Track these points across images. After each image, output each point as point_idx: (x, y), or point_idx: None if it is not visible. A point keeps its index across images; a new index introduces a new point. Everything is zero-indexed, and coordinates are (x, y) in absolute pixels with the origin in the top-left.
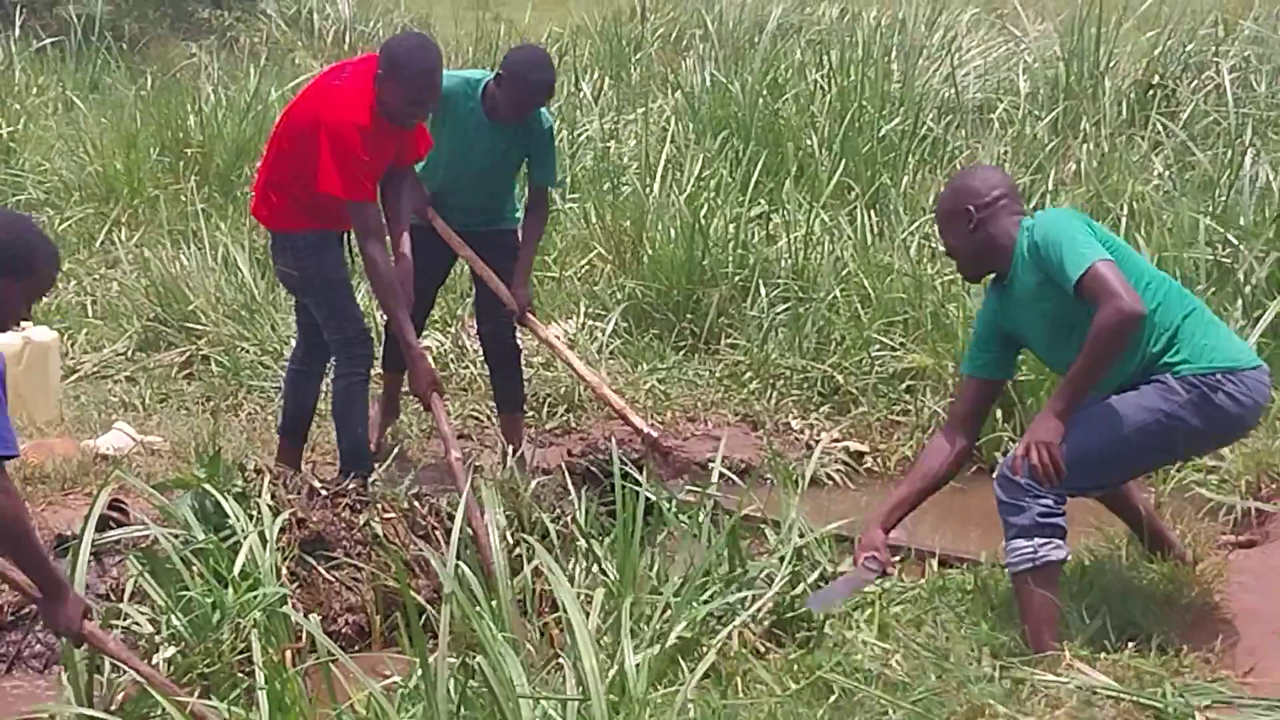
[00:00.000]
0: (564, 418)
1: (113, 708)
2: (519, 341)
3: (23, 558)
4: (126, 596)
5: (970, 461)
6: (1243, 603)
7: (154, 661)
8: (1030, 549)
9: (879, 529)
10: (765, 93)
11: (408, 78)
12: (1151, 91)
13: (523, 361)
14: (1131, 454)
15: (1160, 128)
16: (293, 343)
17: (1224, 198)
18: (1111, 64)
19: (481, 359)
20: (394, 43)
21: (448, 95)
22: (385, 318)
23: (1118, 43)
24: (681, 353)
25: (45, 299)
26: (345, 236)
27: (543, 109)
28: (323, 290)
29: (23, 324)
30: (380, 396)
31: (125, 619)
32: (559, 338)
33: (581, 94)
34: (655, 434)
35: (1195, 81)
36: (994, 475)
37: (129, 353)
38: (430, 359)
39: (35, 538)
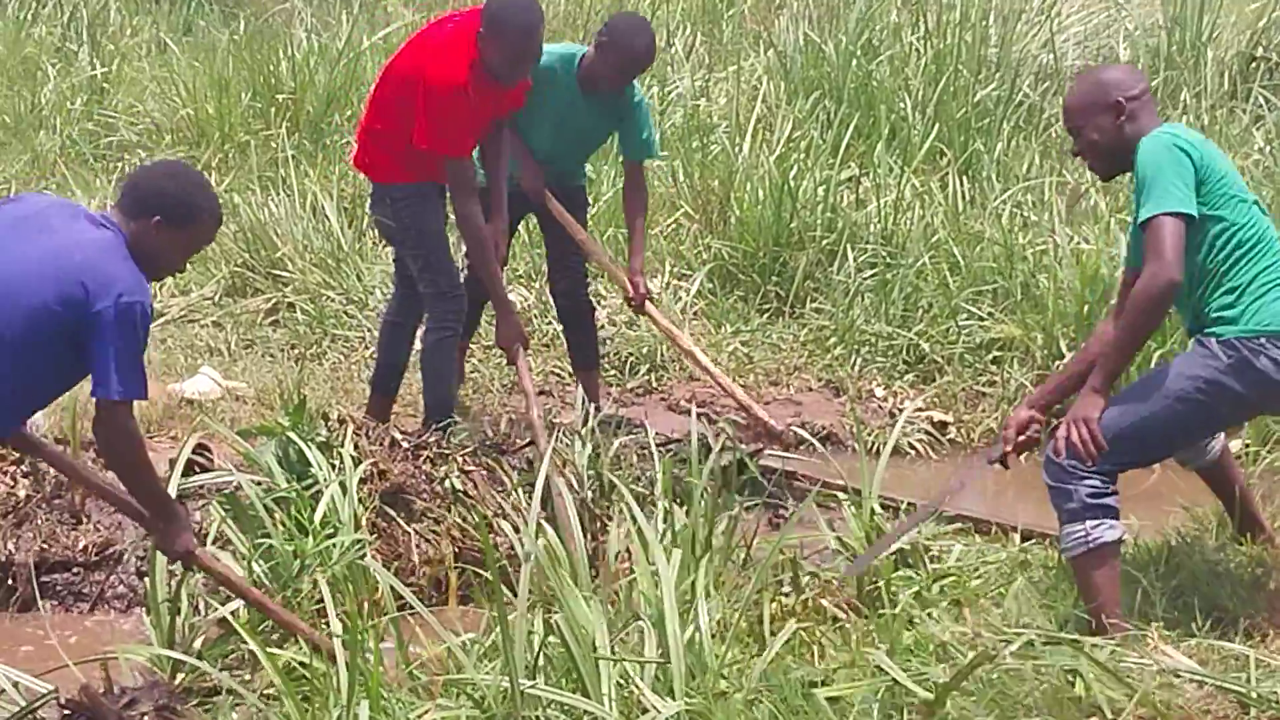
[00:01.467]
0: (645, 377)
1: (195, 649)
2: (592, 299)
3: (142, 491)
4: (209, 541)
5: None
6: None
7: (234, 609)
8: (1082, 532)
9: (1029, 408)
10: (859, 54)
11: (508, 37)
12: (1255, 63)
13: (596, 319)
14: (1174, 423)
15: (1263, 101)
16: (378, 293)
17: None
18: (1214, 34)
19: None
20: (495, 1)
21: (543, 70)
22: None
23: (1221, 13)
24: (766, 316)
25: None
26: (444, 190)
27: (634, 82)
28: (419, 243)
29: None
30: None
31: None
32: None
33: (673, 50)
34: (780, 428)
35: None
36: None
37: (216, 298)
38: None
39: (154, 472)
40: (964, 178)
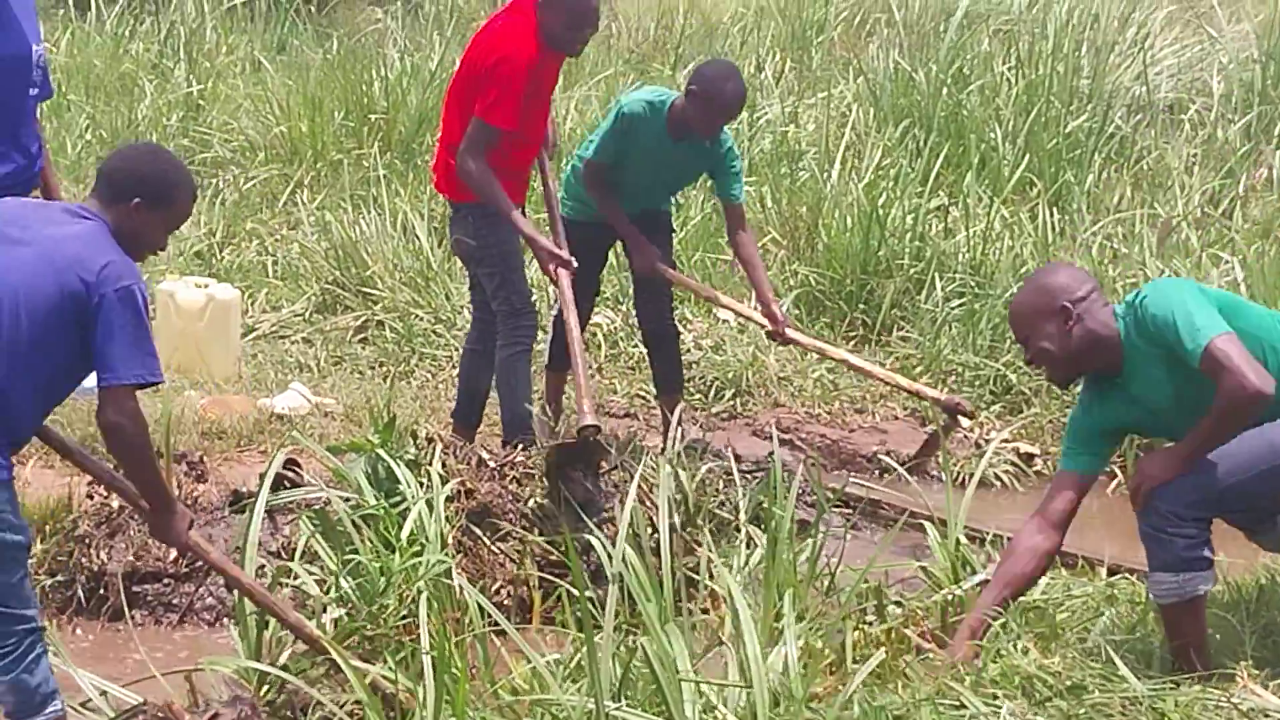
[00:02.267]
0: (730, 402)
1: (280, 662)
2: (677, 324)
3: (140, 475)
4: (296, 556)
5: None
6: None
7: (321, 622)
8: (1175, 583)
9: (965, 643)
10: (950, 83)
11: (567, 3)
12: None
13: (681, 345)
14: (1266, 480)
15: None
16: (465, 313)
17: None
18: None
19: None
20: None
21: (633, 116)
22: (553, 331)
23: None
24: (852, 342)
25: (229, 257)
26: (521, 210)
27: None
28: (495, 262)
29: (207, 282)
30: (544, 390)
31: (295, 578)
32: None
33: (763, 76)
34: (956, 399)
35: None
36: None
37: (306, 314)
38: (601, 334)
39: (154, 458)
40: (1054, 209)
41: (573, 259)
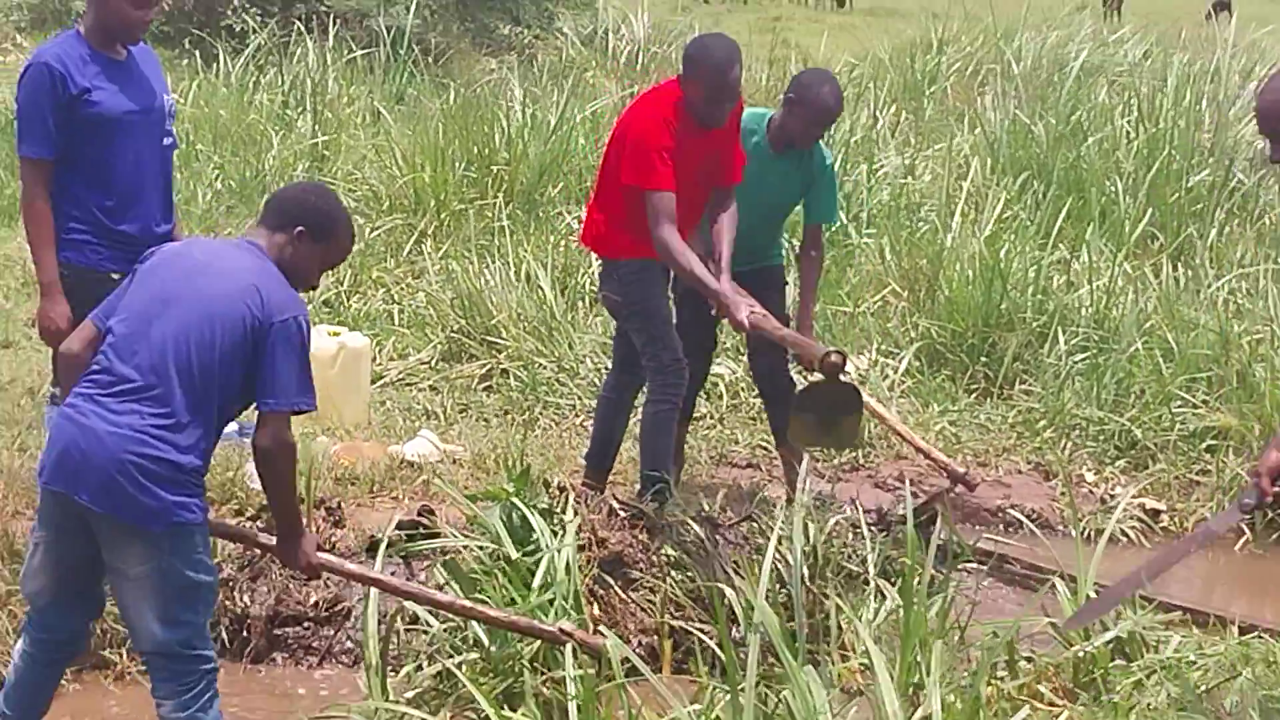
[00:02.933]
0: (852, 454)
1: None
2: (794, 376)
3: (281, 498)
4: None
5: (1270, 528)
6: None
7: (451, 663)
8: None
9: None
10: (1068, 135)
11: (706, 74)
12: None
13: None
14: None
15: None
16: (588, 362)
17: None
18: None
19: None
20: (692, 43)
21: (740, 132)
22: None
23: None
24: (974, 396)
25: (356, 305)
26: (668, 267)
27: (822, 144)
28: (644, 317)
29: (338, 330)
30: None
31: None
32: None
33: (879, 127)
34: (963, 470)
35: None
36: None
37: (433, 362)
38: (722, 385)
39: (295, 484)
40: (1176, 263)
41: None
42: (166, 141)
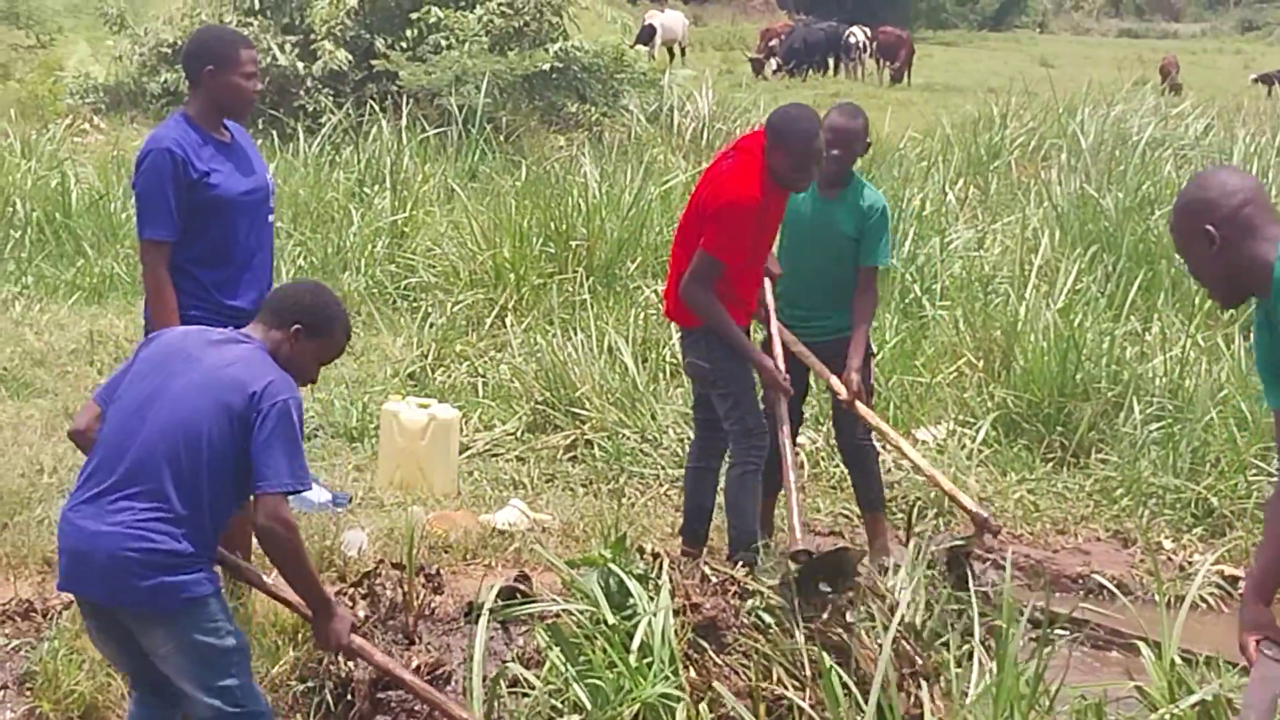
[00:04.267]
0: (933, 521)
1: None
2: (875, 443)
3: (295, 577)
4: (539, 665)
5: None
6: None
7: None
8: None
9: (1259, 603)
10: (1136, 208)
11: (793, 144)
12: None
13: (880, 462)
14: None
15: None
16: (671, 432)
17: None
18: None
19: None
20: (777, 114)
21: None
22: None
23: None
24: (1051, 464)
25: (440, 377)
26: (748, 331)
27: (870, 188)
28: (728, 383)
29: (428, 402)
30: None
31: (529, 685)
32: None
33: (948, 200)
34: (986, 515)
35: None
36: None
37: (518, 433)
38: (804, 454)
39: (310, 564)
40: (1248, 333)
41: (789, 386)
42: (270, 219)
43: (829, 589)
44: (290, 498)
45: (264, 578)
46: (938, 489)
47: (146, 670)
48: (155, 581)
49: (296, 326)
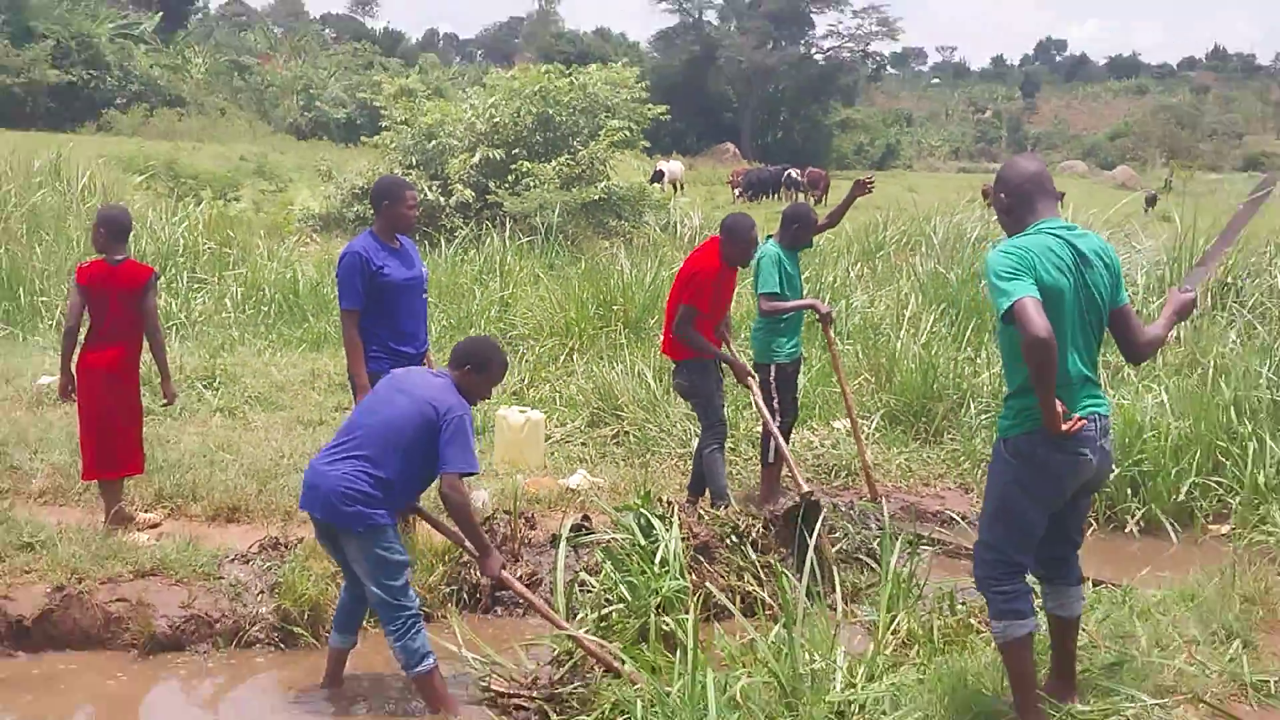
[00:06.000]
0: (844, 480)
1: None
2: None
3: (466, 529)
4: (597, 574)
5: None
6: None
7: (606, 612)
8: (1000, 629)
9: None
10: (969, 280)
11: (738, 238)
12: (1226, 286)
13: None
14: (1010, 512)
15: (1234, 310)
16: (678, 426)
17: (1278, 357)
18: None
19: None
20: (727, 220)
21: (764, 253)
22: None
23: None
24: (918, 442)
25: (532, 393)
26: (715, 362)
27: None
28: (698, 395)
29: (525, 409)
30: (762, 484)
31: (588, 588)
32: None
33: (849, 277)
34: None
35: (1258, 279)
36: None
37: (581, 428)
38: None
39: (474, 518)
40: None
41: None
42: (424, 295)
43: (802, 522)
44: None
45: (446, 525)
46: (864, 466)
47: (349, 566)
48: (353, 510)
49: (468, 366)
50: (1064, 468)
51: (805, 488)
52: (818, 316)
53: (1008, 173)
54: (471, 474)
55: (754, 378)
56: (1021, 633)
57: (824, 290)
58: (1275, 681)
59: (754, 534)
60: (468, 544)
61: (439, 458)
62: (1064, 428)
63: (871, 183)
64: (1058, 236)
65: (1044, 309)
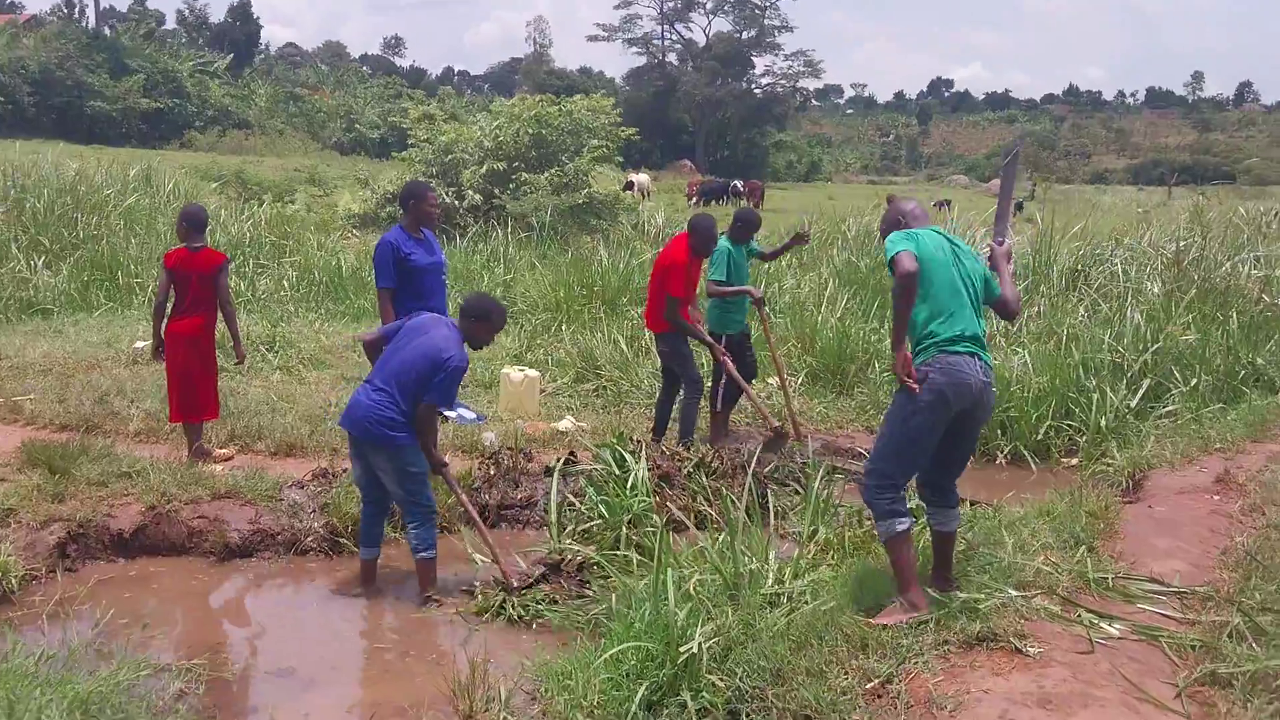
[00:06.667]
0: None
1: (571, 541)
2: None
3: (426, 444)
4: (582, 497)
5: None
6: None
7: (588, 526)
8: (884, 527)
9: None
10: (876, 267)
11: (702, 232)
12: (1077, 272)
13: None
14: (904, 441)
15: (1083, 290)
16: (646, 382)
17: (1116, 328)
18: (1055, 256)
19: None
20: (693, 219)
21: (722, 249)
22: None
23: (1060, 245)
24: (834, 395)
25: (529, 356)
26: (687, 335)
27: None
28: (678, 359)
29: (524, 368)
30: (711, 422)
31: (575, 507)
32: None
33: (782, 263)
34: (781, 428)
35: (1102, 267)
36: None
37: (568, 383)
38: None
39: (431, 437)
40: None
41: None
42: (443, 278)
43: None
44: (446, 412)
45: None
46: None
47: (371, 483)
48: (381, 431)
49: (473, 318)
50: (948, 389)
51: (775, 423)
52: (752, 300)
53: (893, 211)
54: (444, 411)
55: (724, 352)
56: (900, 528)
57: (762, 276)
58: (1111, 578)
59: (712, 465)
60: (473, 514)
61: (426, 392)
62: (907, 371)
63: (808, 236)
64: (938, 234)
65: (927, 270)
